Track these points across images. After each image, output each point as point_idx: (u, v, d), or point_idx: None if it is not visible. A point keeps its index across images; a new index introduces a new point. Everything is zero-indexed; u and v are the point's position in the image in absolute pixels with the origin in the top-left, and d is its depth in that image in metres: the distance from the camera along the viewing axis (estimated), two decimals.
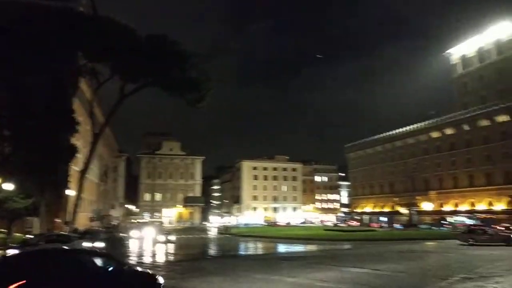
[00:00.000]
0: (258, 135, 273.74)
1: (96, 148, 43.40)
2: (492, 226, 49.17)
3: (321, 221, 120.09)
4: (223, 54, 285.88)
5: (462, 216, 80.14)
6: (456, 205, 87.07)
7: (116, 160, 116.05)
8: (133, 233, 49.59)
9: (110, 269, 10.28)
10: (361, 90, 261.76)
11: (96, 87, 41.46)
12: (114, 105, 39.70)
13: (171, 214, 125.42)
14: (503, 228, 52.95)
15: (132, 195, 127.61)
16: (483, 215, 76.13)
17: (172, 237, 43.86)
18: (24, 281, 8.87)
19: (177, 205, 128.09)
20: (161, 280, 11.13)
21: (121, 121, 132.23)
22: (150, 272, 11.69)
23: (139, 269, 12.01)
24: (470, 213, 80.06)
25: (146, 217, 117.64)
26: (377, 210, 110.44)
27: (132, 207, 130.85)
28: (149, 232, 48.25)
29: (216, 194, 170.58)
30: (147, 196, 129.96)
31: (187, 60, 34.98)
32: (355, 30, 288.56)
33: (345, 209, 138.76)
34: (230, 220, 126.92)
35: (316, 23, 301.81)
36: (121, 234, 38.57)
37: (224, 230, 72.75)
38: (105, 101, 47.85)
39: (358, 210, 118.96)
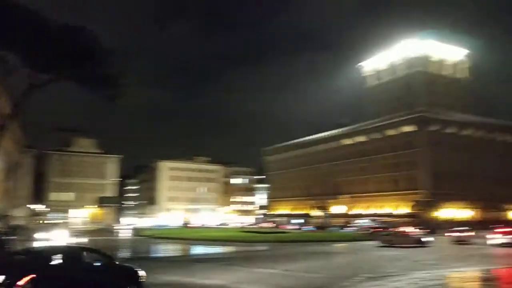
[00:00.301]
0: (177, 135, 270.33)
1: (0, 142, 40.13)
2: (393, 228, 52.44)
3: (240, 223, 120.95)
4: (144, 52, 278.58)
5: (368, 219, 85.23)
6: (365, 209, 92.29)
7: (23, 156, 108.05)
8: (39, 235, 46.44)
9: (105, 263, 11.75)
10: (280, 95, 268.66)
11: (2, 76, 38.36)
12: (21, 97, 36.96)
13: (83, 215, 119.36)
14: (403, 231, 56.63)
15: (40, 194, 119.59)
16: (387, 218, 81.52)
17: (83, 239, 41.80)
18: (35, 275, 9.71)
19: (90, 205, 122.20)
20: (141, 273, 12.25)
21: (32, 114, 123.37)
22: (132, 266, 12.63)
23: (124, 264, 13.13)
24: (377, 216, 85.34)
25: (56, 217, 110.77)
26: (293, 212, 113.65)
27: (40, 207, 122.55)
28: (57, 234, 45.45)
29: (132, 195, 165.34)
30: (56, 196, 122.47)
31: (104, 54, 33.53)
32: (274, 37, 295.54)
33: (263, 211, 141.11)
34: (146, 221, 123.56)
35: (236, 27, 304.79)
36: (3, 237, 35.54)
37: (138, 232, 70.68)
38: (16, 93, 44.44)
39: (275, 212, 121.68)
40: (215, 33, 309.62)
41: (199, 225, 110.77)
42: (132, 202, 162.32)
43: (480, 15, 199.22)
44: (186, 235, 57.60)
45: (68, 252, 11.86)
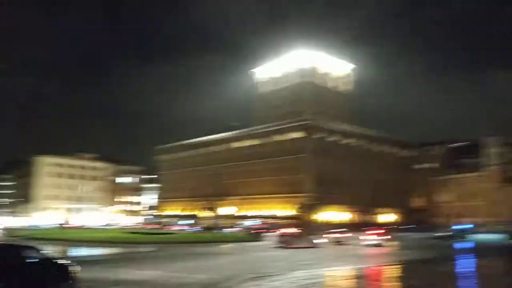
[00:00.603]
0: (63, 130, 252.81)
1: None
2: (274, 229, 54.78)
3: (127, 224, 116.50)
4: (31, 40, 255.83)
5: (253, 220, 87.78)
6: (253, 210, 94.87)
7: None
8: None
9: (40, 259, 12.75)
10: (178, 94, 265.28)
11: None
12: None
13: None
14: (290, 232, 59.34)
15: None
16: (273, 220, 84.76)
17: None
18: None
19: None
20: (73, 268, 13.26)
21: None
22: (66, 262, 13.63)
23: (58, 260, 13.85)
24: (263, 218, 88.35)
25: None
26: (183, 213, 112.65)
27: None
28: None
29: (6, 191, 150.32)
30: None
31: None
32: (174, 35, 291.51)
33: (152, 212, 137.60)
34: (21, 221, 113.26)
35: (134, 22, 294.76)
36: None
37: (11, 233, 64.47)
38: None
39: (165, 212, 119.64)
40: (111, 26, 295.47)
41: (79, 225, 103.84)
42: (5, 200, 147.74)
43: (369, 32, 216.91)
44: (67, 236, 53.87)
45: (9, 248, 13.50)
